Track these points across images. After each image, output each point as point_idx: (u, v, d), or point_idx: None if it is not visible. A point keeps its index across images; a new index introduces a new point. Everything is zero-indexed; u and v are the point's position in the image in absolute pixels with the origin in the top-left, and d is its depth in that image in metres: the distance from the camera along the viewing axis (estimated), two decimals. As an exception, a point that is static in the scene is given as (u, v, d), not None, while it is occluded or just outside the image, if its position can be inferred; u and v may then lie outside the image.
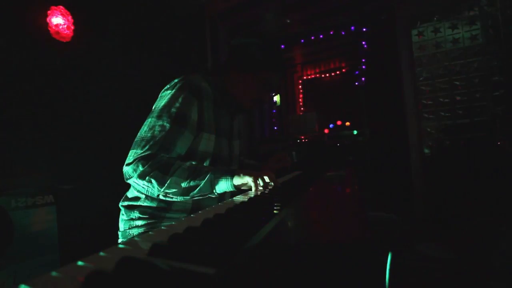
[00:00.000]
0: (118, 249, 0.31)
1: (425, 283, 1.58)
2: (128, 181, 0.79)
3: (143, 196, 0.89)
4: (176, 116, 0.80)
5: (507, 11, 2.39)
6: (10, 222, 1.21)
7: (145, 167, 0.74)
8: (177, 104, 0.81)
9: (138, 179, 0.75)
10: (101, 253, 0.29)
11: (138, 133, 0.81)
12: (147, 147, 0.76)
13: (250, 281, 0.21)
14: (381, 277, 0.21)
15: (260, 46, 0.90)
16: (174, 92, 0.83)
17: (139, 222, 0.89)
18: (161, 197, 0.78)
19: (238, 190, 0.80)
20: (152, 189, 0.76)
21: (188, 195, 0.77)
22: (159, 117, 0.80)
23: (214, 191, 0.76)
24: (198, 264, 0.25)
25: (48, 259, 1.32)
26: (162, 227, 0.41)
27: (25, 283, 0.21)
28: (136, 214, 0.89)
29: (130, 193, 0.94)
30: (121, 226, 0.93)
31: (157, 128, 0.79)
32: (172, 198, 0.78)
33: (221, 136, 0.95)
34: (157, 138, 0.78)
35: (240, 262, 0.25)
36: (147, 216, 0.89)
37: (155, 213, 0.89)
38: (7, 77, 1.38)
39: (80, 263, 0.26)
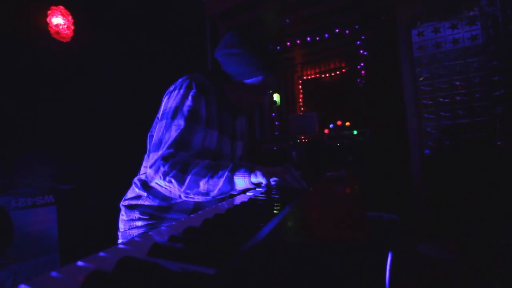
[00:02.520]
0: (118, 249, 0.31)
1: (425, 283, 1.58)
2: (151, 184, 0.79)
3: (144, 195, 0.89)
4: (189, 114, 0.81)
5: (507, 11, 2.39)
6: (10, 222, 1.21)
7: (165, 166, 0.74)
8: (188, 102, 0.83)
9: (160, 179, 0.75)
10: (101, 253, 0.29)
11: (155, 137, 0.82)
12: (166, 147, 0.77)
13: (250, 281, 0.21)
14: (381, 277, 0.21)
15: (253, 52, 0.88)
16: (183, 91, 0.84)
17: (139, 223, 0.88)
18: (183, 197, 0.77)
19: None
20: (173, 189, 0.75)
21: (209, 196, 0.75)
22: (173, 117, 0.81)
23: (234, 190, 0.74)
24: (198, 264, 0.25)
25: (48, 259, 1.32)
26: (162, 227, 0.41)
27: (25, 283, 0.21)
28: (136, 214, 0.89)
29: (131, 193, 0.93)
30: (121, 226, 0.93)
31: (174, 128, 0.79)
32: (194, 198, 0.76)
33: (223, 134, 0.95)
34: (175, 137, 0.78)
35: (240, 262, 0.25)
36: (147, 217, 0.88)
37: (156, 213, 0.89)
38: (7, 77, 1.38)
39: (80, 263, 0.26)
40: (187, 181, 0.73)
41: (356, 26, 3.19)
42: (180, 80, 0.89)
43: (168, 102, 0.85)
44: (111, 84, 1.88)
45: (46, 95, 1.52)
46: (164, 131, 0.80)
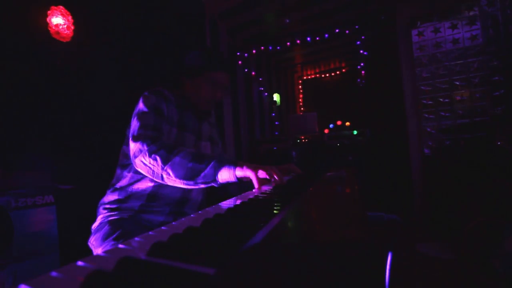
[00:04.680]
0: (118, 249, 0.31)
1: (424, 283, 1.58)
2: (135, 160, 0.83)
3: (110, 190, 1.01)
4: (154, 108, 0.93)
5: (507, 11, 2.39)
6: (10, 222, 1.21)
7: (152, 146, 0.80)
8: (153, 102, 0.94)
9: (144, 157, 0.80)
10: (101, 253, 0.29)
11: (130, 132, 0.91)
12: (142, 129, 0.85)
13: (250, 281, 0.21)
14: (381, 277, 0.21)
15: (201, 54, 1.04)
16: (146, 95, 0.97)
17: (103, 213, 0.99)
18: (164, 177, 0.80)
19: (241, 182, 0.80)
20: (156, 168, 0.79)
21: (192, 180, 0.78)
22: (143, 112, 0.91)
23: (217, 179, 0.77)
24: (198, 264, 0.25)
25: (48, 259, 1.32)
26: (163, 227, 0.41)
27: (25, 283, 0.21)
28: (100, 209, 1.02)
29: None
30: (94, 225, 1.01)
31: (143, 117, 0.89)
32: (175, 181, 0.79)
33: (184, 131, 1.03)
34: (148, 123, 0.88)
35: (240, 262, 0.25)
36: (107, 207, 0.99)
37: (114, 205, 0.98)
38: (7, 77, 1.38)
39: (80, 263, 0.27)
40: (171, 161, 0.78)
41: (356, 26, 3.19)
42: (144, 93, 1.01)
43: (137, 107, 0.97)
44: (111, 84, 1.87)
45: (45, 95, 1.52)
46: (136, 122, 0.89)
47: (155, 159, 0.78)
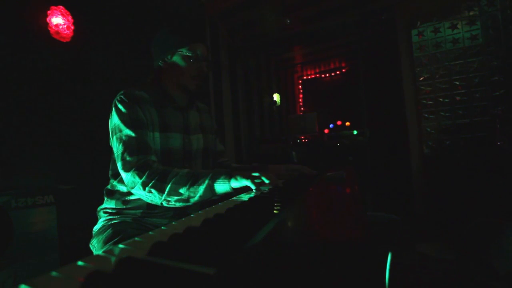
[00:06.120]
0: (118, 249, 0.31)
1: (425, 283, 1.58)
2: (131, 190, 0.83)
3: (107, 197, 0.98)
4: (132, 123, 0.86)
5: (507, 11, 2.39)
6: (10, 222, 1.21)
7: (143, 178, 0.79)
8: (127, 114, 0.87)
9: (139, 190, 0.80)
10: (101, 253, 0.29)
11: (114, 153, 0.87)
12: (127, 155, 0.82)
13: (250, 281, 0.21)
14: (381, 277, 0.21)
15: (170, 30, 0.96)
16: (118, 107, 0.89)
17: (104, 216, 0.96)
18: (164, 204, 0.81)
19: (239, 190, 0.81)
20: (154, 198, 0.80)
21: (189, 202, 0.79)
22: (120, 130, 0.86)
23: (215, 193, 0.78)
24: (198, 264, 0.25)
25: (48, 259, 1.32)
26: (163, 227, 0.41)
27: (25, 283, 0.21)
28: (101, 213, 0.99)
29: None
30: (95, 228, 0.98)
31: (125, 139, 0.84)
32: (175, 205, 0.81)
33: (167, 132, 0.96)
34: (131, 145, 0.83)
35: (240, 262, 0.25)
36: (108, 211, 0.97)
37: (114, 211, 0.96)
38: (7, 77, 1.38)
39: (80, 263, 0.27)
40: (167, 189, 0.78)
41: (356, 26, 3.19)
42: (116, 97, 0.94)
43: (112, 120, 0.90)
44: (111, 84, 1.87)
45: (46, 95, 1.52)
46: (117, 145, 0.85)
47: (151, 192, 0.79)
